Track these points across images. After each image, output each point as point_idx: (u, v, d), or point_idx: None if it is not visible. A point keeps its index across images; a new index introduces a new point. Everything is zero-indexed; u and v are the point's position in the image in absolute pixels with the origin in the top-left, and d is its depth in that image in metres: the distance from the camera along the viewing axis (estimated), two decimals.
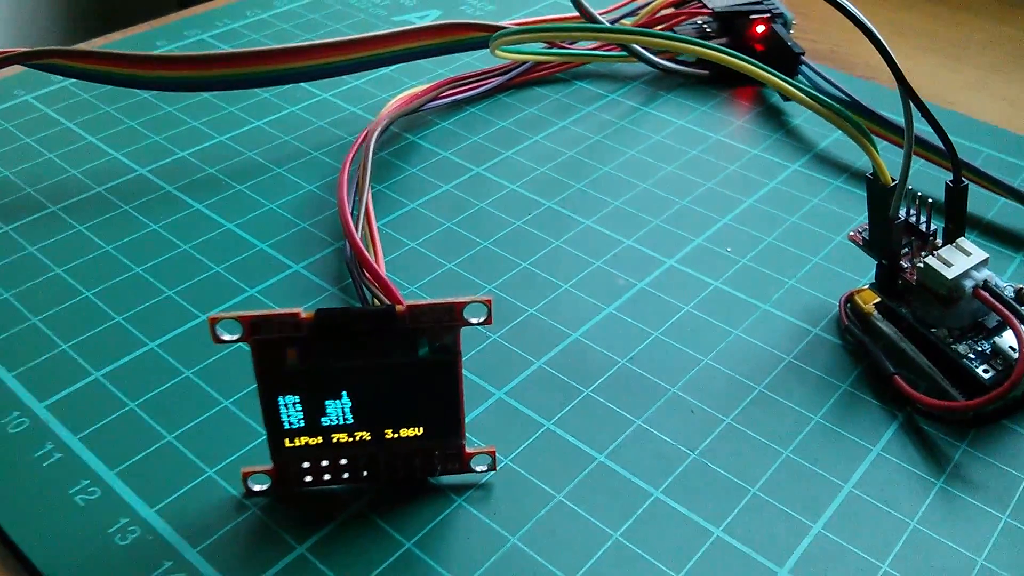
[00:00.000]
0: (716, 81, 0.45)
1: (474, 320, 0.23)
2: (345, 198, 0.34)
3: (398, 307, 0.23)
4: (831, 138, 0.41)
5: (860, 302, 0.32)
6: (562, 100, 0.44)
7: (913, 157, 0.29)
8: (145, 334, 0.31)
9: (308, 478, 0.25)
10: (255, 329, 0.23)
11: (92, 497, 0.26)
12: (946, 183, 0.31)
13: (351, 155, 0.36)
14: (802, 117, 0.43)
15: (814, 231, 0.36)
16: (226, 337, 0.23)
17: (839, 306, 0.32)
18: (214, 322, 0.23)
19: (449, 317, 0.23)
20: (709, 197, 0.38)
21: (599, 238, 0.35)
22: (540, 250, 0.35)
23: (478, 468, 0.26)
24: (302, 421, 0.24)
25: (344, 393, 0.24)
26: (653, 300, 0.33)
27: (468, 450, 0.26)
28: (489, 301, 0.23)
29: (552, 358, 0.30)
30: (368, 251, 0.31)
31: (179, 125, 0.42)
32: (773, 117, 0.43)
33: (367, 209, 0.33)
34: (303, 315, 0.23)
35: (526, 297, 0.33)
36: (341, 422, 0.24)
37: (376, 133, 0.38)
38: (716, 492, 0.26)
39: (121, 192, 0.38)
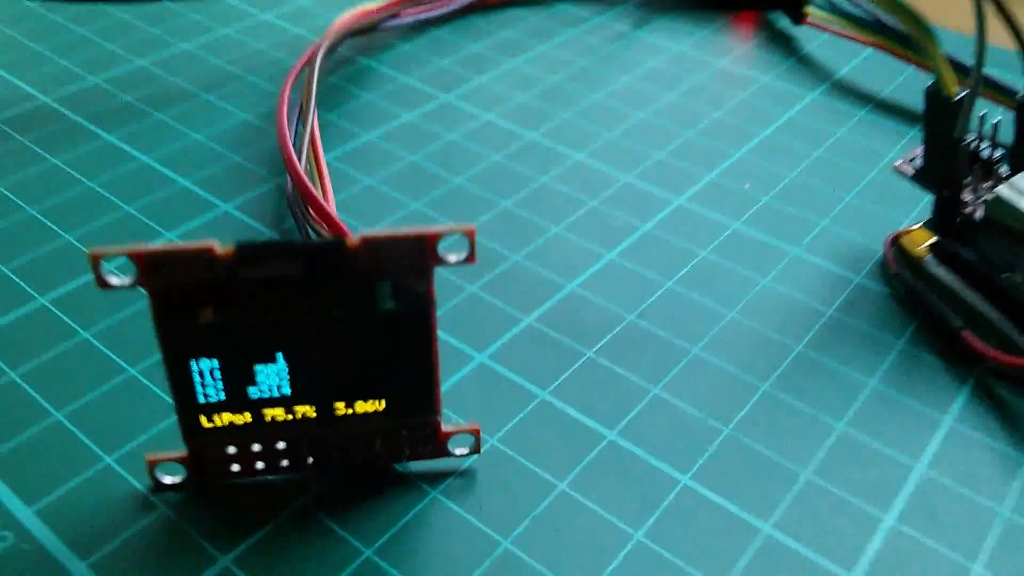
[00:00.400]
0: (714, 4, 0.40)
1: (452, 257, 0.18)
2: (285, 124, 0.28)
3: (348, 240, 0.17)
4: (850, 65, 0.36)
5: (909, 245, 0.27)
6: (542, 22, 0.38)
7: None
8: (34, 287, 0.25)
9: (234, 467, 0.19)
10: (154, 269, 0.17)
11: None
12: (1018, 98, 0.25)
13: (293, 76, 0.30)
14: (816, 43, 0.37)
15: (843, 166, 0.30)
16: (114, 280, 0.17)
17: (884, 250, 0.27)
18: (97, 259, 0.16)
19: (418, 254, 0.17)
20: (718, 129, 0.32)
21: (592, 174, 0.30)
22: (523, 188, 0.29)
23: (457, 451, 0.20)
24: (223, 393, 0.18)
25: (279, 355, 0.18)
26: (661, 245, 0.27)
27: (445, 428, 0.20)
28: (472, 231, 0.17)
29: (544, 314, 0.24)
30: (315, 187, 0.25)
31: (92, 49, 0.35)
32: (781, 44, 0.38)
33: (312, 138, 0.27)
34: (219, 250, 0.17)
35: (509, 242, 0.27)
36: (276, 393, 0.18)
37: (323, 51, 0.31)
38: (759, 477, 0.21)
39: (18, 123, 0.31)
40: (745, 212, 0.28)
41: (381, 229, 0.17)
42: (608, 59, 0.36)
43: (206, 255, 0.17)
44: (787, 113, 0.33)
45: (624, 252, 0.27)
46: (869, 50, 0.37)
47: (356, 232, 0.25)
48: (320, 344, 0.18)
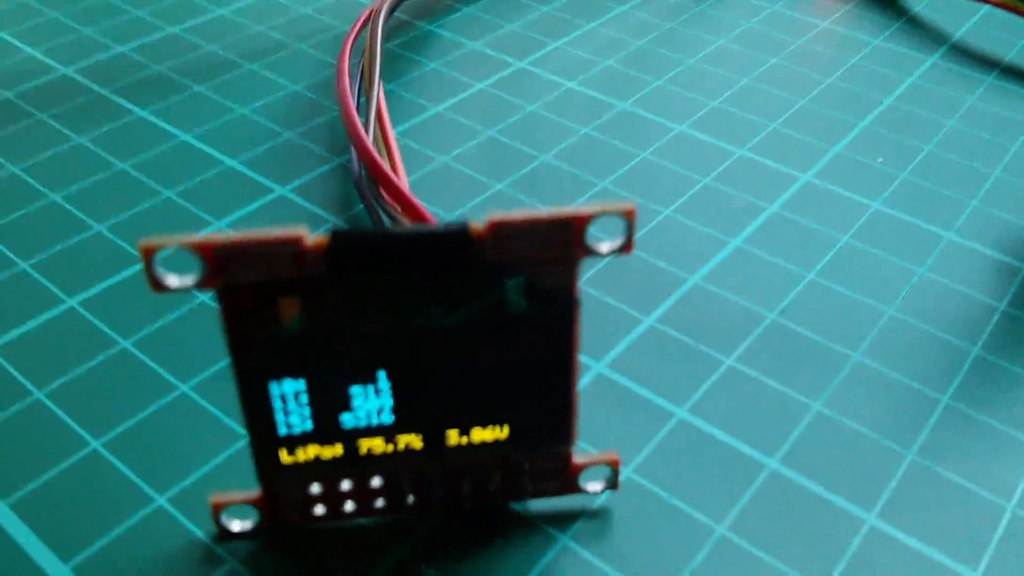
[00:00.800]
0: None
1: (605, 247, 0.14)
2: (348, 93, 0.24)
3: (474, 226, 0.13)
4: (967, 26, 0.32)
5: None
6: None
7: None
8: (62, 287, 0.21)
9: (318, 509, 0.15)
10: (225, 265, 0.13)
11: None
12: None
13: (350, 41, 0.26)
14: (924, 3, 0.33)
15: (982, 137, 0.26)
16: (173, 281, 0.13)
17: None
18: (151, 253, 0.12)
19: (562, 242, 0.13)
20: (834, 96, 0.28)
21: (700, 147, 0.26)
22: (622, 164, 0.25)
23: (590, 487, 0.16)
24: (309, 421, 0.14)
25: (381, 373, 0.14)
26: (793, 228, 0.23)
27: (576, 460, 0.16)
28: (631, 211, 0.13)
29: (667, 313, 0.20)
30: (384, 164, 0.22)
31: (117, 15, 0.31)
32: (886, 3, 0.33)
33: (379, 110, 0.23)
34: (308, 241, 0.13)
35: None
36: (375, 421, 0.14)
37: (383, 13, 0.27)
38: (957, 513, 0.17)
39: (35, 97, 0.27)
40: (884, 190, 0.24)
41: (511, 212, 0.13)
42: (697, 20, 0.32)
43: (292, 247, 0.13)
44: (908, 79, 0.29)
45: (751, 238, 0.23)
46: (985, 8, 0.33)
47: (437, 218, 0.21)
48: (433, 358, 0.14)
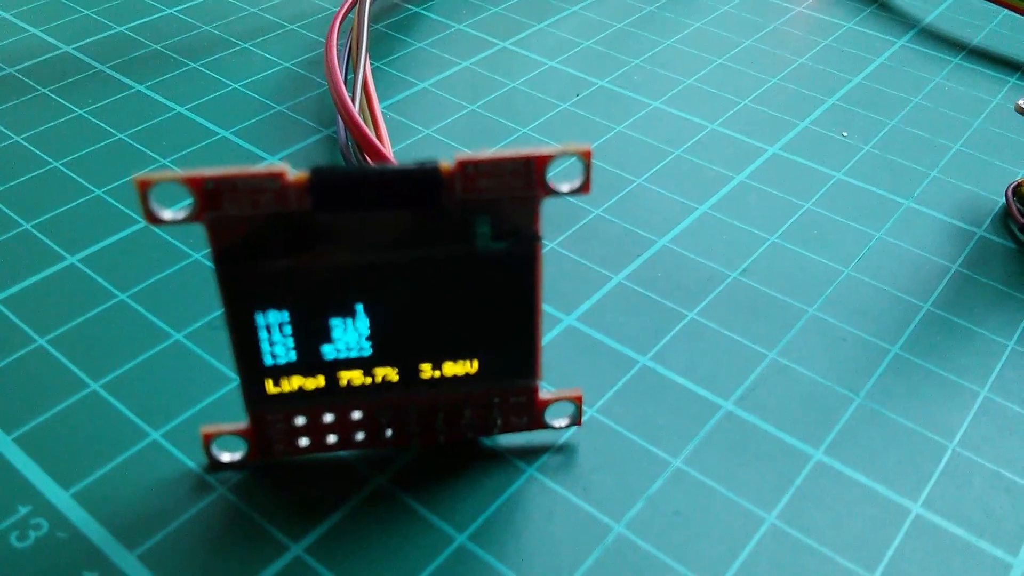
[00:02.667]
0: None
1: (564, 186, 0.15)
2: (336, 66, 0.25)
3: (443, 165, 0.14)
4: (937, 11, 0.33)
5: None
6: None
7: None
8: (63, 246, 0.22)
9: (303, 441, 0.17)
10: (213, 198, 0.14)
11: None
12: None
13: (338, 20, 0.28)
14: None
15: (945, 114, 0.28)
16: (166, 214, 0.14)
17: (1006, 200, 0.24)
18: (146, 187, 0.14)
19: (525, 181, 0.14)
20: (805, 75, 0.29)
21: (674, 122, 0.27)
22: (600, 136, 0.26)
23: (555, 423, 0.18)
24: (293, 352, 0.15)
25: (359, 307, 0.15)
26: (760, 196, 0.24)
27: (542, 396, 0.17)
28: (588, 152, 0.14)
29: (636, 271, 0.22)
30: (370, 132, 0.23)
31: None
32: None
33: (365, 81, 0.25)
34: (291, 176, 0.14)
35: (590, 195, 0.24)
36: (354, 353, 0.16)
37: None
38: (900, 452, 0.18)
39: (37, 73, 0.28)
40: (847, 162, 0.25)
41: (478, 152, 0.14)
42: (676, 4, 0.33)
43: (275, 182, 0.14)
44: (877, 59, 0.30)
45: (719, 204, 0.24)
46: None
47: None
48: (407, 292, 0.15)
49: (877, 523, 0.17)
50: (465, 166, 0.14)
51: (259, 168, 0.14)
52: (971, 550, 0.16)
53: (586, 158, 0.14)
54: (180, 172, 0.13)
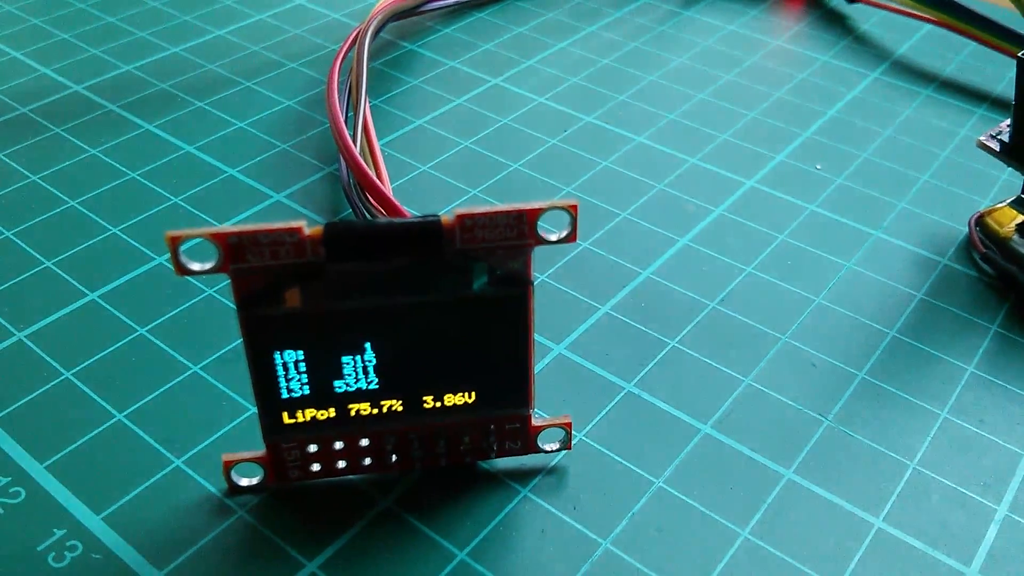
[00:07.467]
0: None
1: (553, 236, 0.16)
2: (337, 108, 0.26)
3: (444, 218, 0.16)
4: (909, 43, 0.35)
5: (995, 224, 0.25)
6: (586, 4, 0.37)
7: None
8: (83, 282, 0.23)
9: (316, 467, 0.18)
10: (236, 253, 0.15)
11: (15, 501, 0.18)
12: None
13: (339, 60, 0.29)
14: (871, 22, 0.36)
15: (915, 145, 0.29)
16: (194, 266, 0.16)
17: (969, 230, 0.25)
18: (176, 243, 0.15)
19: (517, 232, 0.16)
20: (782, 108, 0.31)
21: (657, 156, 0.28)
22: (585, 172, 0.28)
23: (547, 447, 0.19)
24: (307, 387, 0.17)
25: (367, 345, 0.17)
26: (737, 229, 0.26)
27: (535, 422, 0.19)
28: (574, 206, 0.16)
29: (621, 302, 0.23)
30: (370, 172, 0.24)
31: (122, 36, 0.34)
32: (836, 23, 0.36)
33: (365, 122, 0.26)
34: (307, 231, 0.15)
35: (579, 226, 0.25)
36: (363, 386, 0.17)
37: (369, 34, 0.30)
38: (864, 470, 0.19)
39: (50, 113, 0.30)
40: (820, 194, 0.27)
41: (475, 207, 0.16)
42: (659, 40, 0.35)
43: (294, 236, 0.15)
44: (851, 92, 0.32)
45: (699, 237, 0.25)
46: (927, 27, 0.36)
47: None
48: (411, 332, 0.17)
49: (842, 537, 0.18)
50: (463, 219, 0.16)
51: (278, 224, 0.15)
52: (928, 561, 0.18)
53: (573, 211, 0.16)
54: (207, 229, 0.15)
